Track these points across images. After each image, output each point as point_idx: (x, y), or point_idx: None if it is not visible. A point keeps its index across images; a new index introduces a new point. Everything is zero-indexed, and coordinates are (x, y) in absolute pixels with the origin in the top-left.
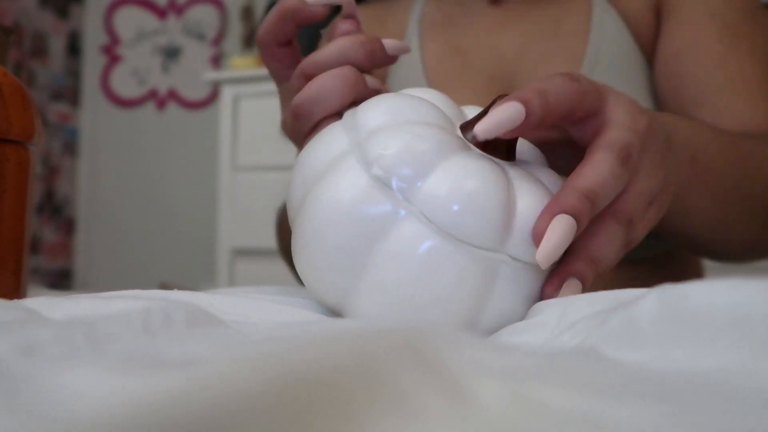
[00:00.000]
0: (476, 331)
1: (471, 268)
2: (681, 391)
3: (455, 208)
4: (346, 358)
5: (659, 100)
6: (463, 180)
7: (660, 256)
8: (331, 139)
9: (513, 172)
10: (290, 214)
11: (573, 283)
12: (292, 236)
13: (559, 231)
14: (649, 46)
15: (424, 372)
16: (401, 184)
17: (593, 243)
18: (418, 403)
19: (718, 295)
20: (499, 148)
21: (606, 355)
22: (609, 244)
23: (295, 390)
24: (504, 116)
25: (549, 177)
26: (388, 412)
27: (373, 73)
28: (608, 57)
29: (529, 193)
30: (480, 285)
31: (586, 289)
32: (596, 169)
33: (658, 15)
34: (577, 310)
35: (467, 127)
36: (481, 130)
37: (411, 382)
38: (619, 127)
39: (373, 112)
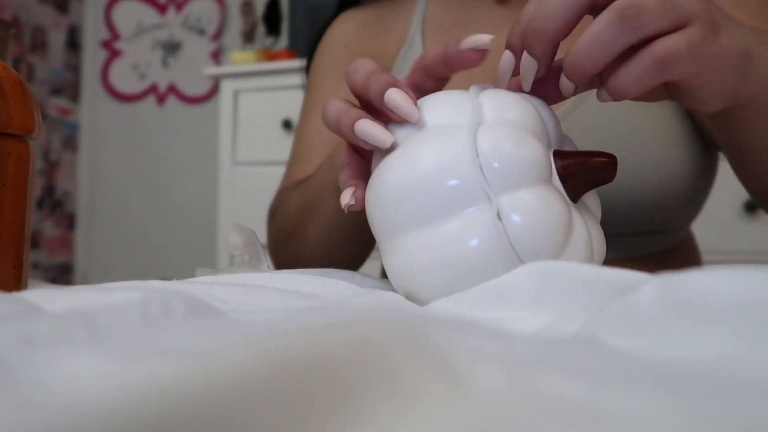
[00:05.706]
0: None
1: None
2: (681, 378)
3: (525, 226)
4: (343, 346)
5: None
6: (542, 211)
7: (661, 252)
8: (455, 103)
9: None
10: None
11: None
12: (378, 156)
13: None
14: None
15: (421, 358)
16: (496, 179)
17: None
18: (415, 389)
19: (719, 283)
20: (572, 192)
21: (605, 343)
22: (590, 36)
23: (293, 377)
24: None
25: (593, 201)
26: (385, 398)
27: None
28: None
29: (580, 228)
30: None
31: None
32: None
33: None
34: (578, 294)
35: (558, 155)
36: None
37: (408, 369)
38: None
39: (502, 101)
